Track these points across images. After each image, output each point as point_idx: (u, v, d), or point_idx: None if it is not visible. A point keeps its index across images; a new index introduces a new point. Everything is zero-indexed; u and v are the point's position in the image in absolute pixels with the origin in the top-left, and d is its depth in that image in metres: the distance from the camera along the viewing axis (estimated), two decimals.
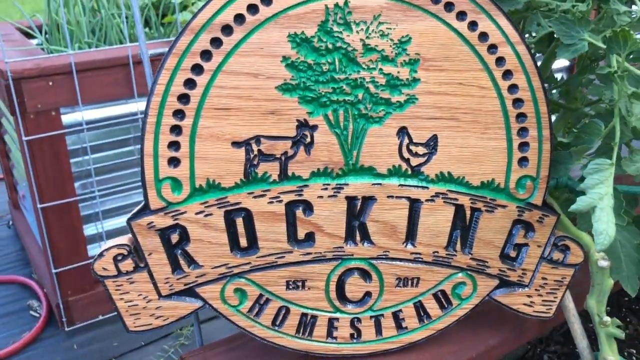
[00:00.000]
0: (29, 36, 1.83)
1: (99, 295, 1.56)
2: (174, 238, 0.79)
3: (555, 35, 0.80)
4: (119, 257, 0.78)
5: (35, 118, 1.36)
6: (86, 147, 1.47)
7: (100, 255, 0.78)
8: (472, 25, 0.77)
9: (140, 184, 1.50)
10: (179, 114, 0.75)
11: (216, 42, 0.73)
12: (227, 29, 0.73)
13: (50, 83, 1.36)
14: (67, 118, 1.42)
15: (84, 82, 1.40)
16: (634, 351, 1.19)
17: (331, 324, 0.85)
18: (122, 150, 1.57)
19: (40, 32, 1.83)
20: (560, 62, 1.73)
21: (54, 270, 1.47)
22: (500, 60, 0.78)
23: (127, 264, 0.78)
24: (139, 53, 1.42)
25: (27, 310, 1.66)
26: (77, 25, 1.75)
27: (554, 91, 1.05)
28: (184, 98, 0.74)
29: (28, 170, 1.39)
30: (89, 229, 1.55)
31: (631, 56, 0.78)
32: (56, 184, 1.43)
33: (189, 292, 0.81)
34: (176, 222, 0.78)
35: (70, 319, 1.54)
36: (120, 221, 1.60)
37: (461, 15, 0.76)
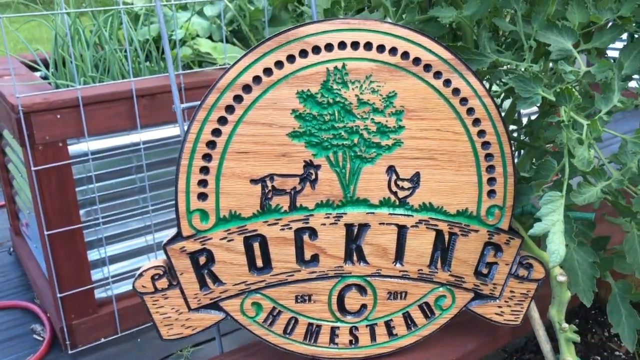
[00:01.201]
0: (33, 69, 1.91)
1: (102, 318, 1.61)
2: (202, 260, 0.94)
3: (515, 90, 0.97)
4: (156, 277, 0.93)
5: (43, 149, 1.42)
6: (90, 176, 1.52)
7: (140, 275, 0.93)
8: (447, 82, 0.94)
9: (139, 210, 1.65)
10: (207, 157, 0.91)
11: (238, 98, 0.90)
12: (247, 88, 0.90)
13: (58, 116, 1.43)
14: (73, 148, 1.49)
15: (90, 114, 1.48)
16: (599, 358, 1.35)
17: (333, 332, 1.00)
18: (124, 179, 1.63)
19: (43, 65, 1.92)
20: None
21: (59, 295, 1.52)
22: (470, 111, 0.95)
23: (163, 282, 0.94)
24: (142, 87, 1.56)
25: (31, 334, 1.70)
26: (82, 60, 1.84)
27: (520, 132, 1.23)
28: (211, 144, 0.90)
29: (36, 198, 1.45)
30: (92, 254, 1.60)
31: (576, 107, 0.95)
32: (62, 211, 1.48)
33: (214, 305, 0.96)
34: (204, 246, 0.93)
35: (73, 342, 1.58)
36: (122, 246, 1.66)
37: (437, 75, 0.93)
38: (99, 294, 1.63)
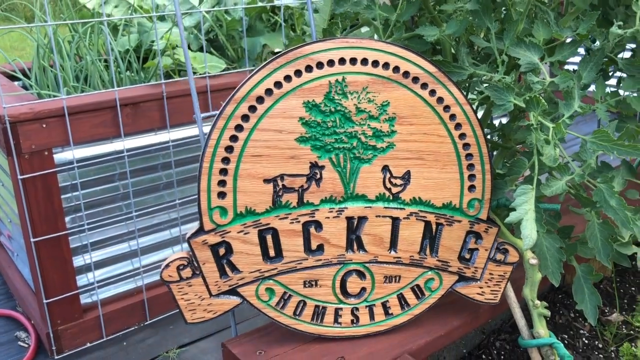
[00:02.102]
0: (13, 78, 1.95)
1: (88, 323, 1.65)
2: (221, 251, 1.06)
3: (490, 98, 1.12)
4: (181, 267, 1.05)
5: (29, 158, 1.43)
6: (74, 183, 1.54)
7: (167, 266, 1.05)
8: (432, 92, 1.08)
9: (123, 217, 1.72)
10: (225, 160, 1.03)
11: (252, 108, 1.03)
12: (260, 99, 1.03)
13: (44, 125, 1.45)
14: (58, 157, 1.51)
15: (75, 123, 1.49)
16: (566, 336, 1.50)
17: (337, 313, 1.13)
18: (108, 186, 1.65)
19: (24, 75, 1.97)
20: None
21: (45, 301, 1.53)
22: (452, 117, 1.10)
23: (187, 272, 1.06)
24: (125, 96, 1.58)
25: (16, 341, 1.72)
26: (64, 70, 1.89)
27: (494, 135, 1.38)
28: (229, 149, 1.03)
29: (22, 206, 1.46)
30: (77, 260, 1.62)
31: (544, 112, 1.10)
32: (48, 218, 1.50)
33: (232, 291, 1.08)
34: (223, 239, 1.06)
35: (59, 348, 1.60)
36: (106, 252, 1.69)
37: (424, 86, 1.08)
38: (84, 299, 1.67)
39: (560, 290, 1.67)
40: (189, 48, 2.39)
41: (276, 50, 2.26)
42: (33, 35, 2.06)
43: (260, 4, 2.38)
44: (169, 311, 1.82)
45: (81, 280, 1.65)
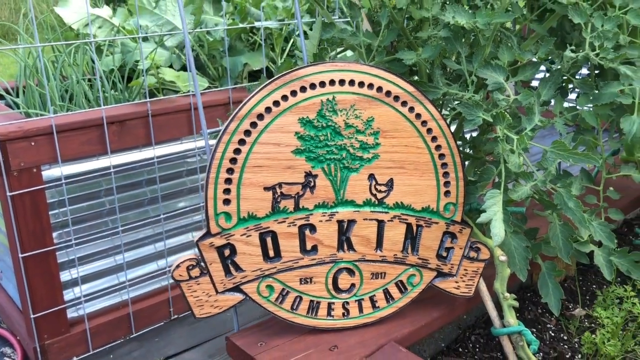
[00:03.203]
0: None
1: (74, 337, 1.67)
2: (226, 252, 1.19)
3: (462, 114, 1.27)
4: (190, 267, 1.17)
5: (18, 175, 1.45)
6: (62, 200, 1.56)
7: (177, 266, 1.17)
8: (411, 109, 1.23)
9: (108, 232, 1.75)
10: (230, 171, 1.16)
11: (253, 124, 1.16)
12: (260, 116, 1.16)
13: (33, 143, 1.47)
14: (45, 174, 1.53)
15: (63, 141, 1.52)
16: (534, 330, 1.65)
17: (329, 307, 1.26)
18: (94, 202, 1.67)
19: (7, 93, 2.03)
20: None
21: (32, 316, 1.55)
22: (429, 130, 1.24)
23: (195, 271, 1.18)
24: (112, 114, 1.63)
25: (1, 357, 1.72)
26: (50, 89, 1.91)
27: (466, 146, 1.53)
28: (233, 160, 1.16)
29: (10, 223, 1.48)
30: (64, 275, 1.64)
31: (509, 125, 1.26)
32: (36, 234, 1.52)
33: (236, 289, 1.20)
34: (228, 241, 1.18)
35: None
36: (92, 266, 1.73)
37: (404, 103, 1.22)
38: (71, 313, 1.69)
39: (528, 289, 1.81)
40: (171, 67, 2.50)
41: (256, 68, 2.38)
42: (17, 55, 2.14)
43: (240, 25, 2.50)
44: (154, 324, 1.86)
45: (67, 294, 1.67)
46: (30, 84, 2.02)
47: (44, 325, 1.61)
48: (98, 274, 1.79)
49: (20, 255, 1.51)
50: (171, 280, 1.89)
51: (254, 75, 2.50)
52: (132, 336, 1.82)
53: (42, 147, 1.52)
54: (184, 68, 2.59)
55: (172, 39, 2.55)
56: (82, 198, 1.68)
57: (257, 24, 2.46)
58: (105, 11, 3.30)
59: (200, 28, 2.57)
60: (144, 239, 1.90)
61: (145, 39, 2.52)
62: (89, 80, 2.36)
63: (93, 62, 2.53)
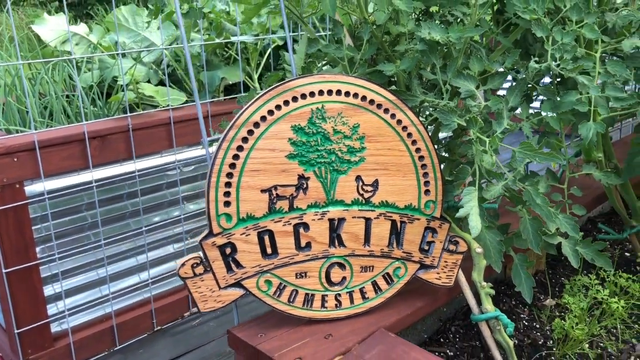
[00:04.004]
0: None
1: (58, 351, 1.70)
2: (227, 250, 1.28)
3: (438, 119, 1.40)
4: (195, 265, 1.27)
5: (1, 191, 1.48)
6: (44, 215, 1.59)
7: (182, 265, 1.26)
8: (392, 116, 1.35)
9: (90, 245, 1.79)
10: (229, 175, 1.26)
11: (251, 132, 1.26)
12: (256, 124, 1.26)
13: (15, 159, 1.50)
14: (28, 189, 1.56)
15: (45, 157, 1.55)
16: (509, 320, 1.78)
17: (323, 299, 1.36)
18: (76, 217, 1.71)
19: None
20: None
21: (16, 331, 1.57)
22: (409, 135, 1.36)
23: (200, 269, 1.27)
24: (93, 130, 1.66)
25: None
26: (30, 106, 1.97)
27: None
28: (232, 165, 1.26)
29: None
30: (47, 290, 1.68)
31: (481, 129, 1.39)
32: (19, 250, 1.55)
33: (237, 284, 1.30)
34: (229, 240, 1.28)
35: None
36: (74, 280, 1.76)
37: (386, 111, 1.34)
38: (55, 327, 1.73)
39: (503, 282, 1.95)
40: (149, 82, 2.58)
41: (232, 82, 2.48)
42: None
43: (216, 40, 2.59)
44: (137, 336, 1.89)
45: (51, 309, 1.69)
46: (10, 101, 2.06)
47: (28, 341, 1.62)
48: (81, 287, 1.82)
49: (3, 271, 1.52)
50: (154, 292, 1.99)
51: (230, 89, 2.59)
52: (116, 349, 1.85)
53: (24, 163, 1.54)
54: (161, 83, 2.67)
55: (149, 55, 2.62)
56: (65, 212, 1.70)
57: (233, 38, 2.55)
58: (82, 28, 3.37)
59: (177, 43, 2.65)
60: (126, 252, 1.93)
61: (123, 55, 2.60)
62: (67, 96, 2.42)
63: (71, 78, 2.60)
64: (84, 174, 1.72)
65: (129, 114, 1.86)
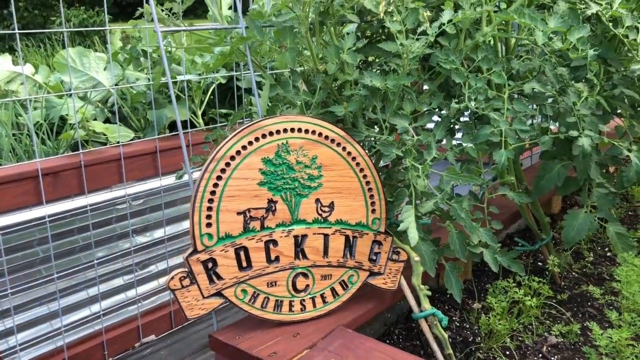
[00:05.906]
0: None
1: None
2: (209, 265, 1.51)
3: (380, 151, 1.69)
4: (182, 278, 1.48)
5: None
6: None
7: (172, 277, 1.48)
8: (344, 148, 1.63)
9: (41, 280, 1.84)
10: (211, 200, 1.50)
11: (227, 164, 1.51)
12: (232, 157, 1.51)
13: None
14: None
15: None
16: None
17: (290, 304, 1.61)
18: (28, 252, 1.76)
19: None
20: None
21: None
22: (358, 164, 1.65)
23: (186, 281, 1.49)
24: (46, 167, 1.72)
25: None
26: None
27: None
28: (213, 192, 1.50)
29: None
30: None
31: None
32: None
33: (218, 294, 1.53)
34: (210, 256, 1.51)
35: None
36: (26, 315, 1.80)
37: (338, 144, 1.62)
38: None
39: (436, 291, 2.25)
40: (96, 120, 2.71)
41: (180, 120, 2.68)
42: None
43: (162, 79, 2.79)
44: None
45: (2, 345, 1.74)
46: None
47: None
48: (32, 322, 1.85)
49: None
50: (106, 324, 2.06)
51: (174, 126, 2.76)
52: None
53: None
54: (107, 120, 2.83)
55: (95, 93, 2.77)
56: (17, 248, 1.75)
57: (179, 78, 2.74)
58: (27, 68, 3.52)
59: (123, 83, 2.83)
60: (77, 285, 1.97)
61: (70, 95, 2.74)
62: (13, 135, 2.52)
63: (17, 117, 2.71)
64: (36, 209, 1.78)
65: (80, 151, 1.96)
